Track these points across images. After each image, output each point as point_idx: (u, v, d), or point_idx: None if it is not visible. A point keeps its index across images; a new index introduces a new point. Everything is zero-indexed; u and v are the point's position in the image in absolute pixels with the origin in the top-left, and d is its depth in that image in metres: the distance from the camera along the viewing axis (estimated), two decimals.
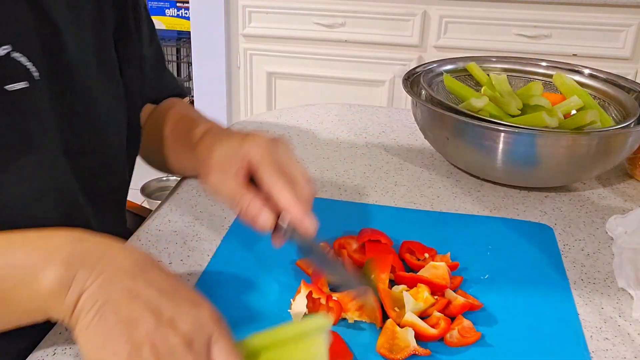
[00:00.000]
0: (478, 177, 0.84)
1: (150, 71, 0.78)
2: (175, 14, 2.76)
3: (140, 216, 1.01)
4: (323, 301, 0.56)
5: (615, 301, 0.60)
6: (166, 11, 2.76)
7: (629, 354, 0.53)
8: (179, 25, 2.78)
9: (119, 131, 0.69)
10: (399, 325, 0.54)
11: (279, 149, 0.57)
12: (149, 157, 0.82)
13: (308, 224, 0.53)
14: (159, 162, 0.80)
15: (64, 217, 0.59)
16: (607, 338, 0.55)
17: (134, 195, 2.28)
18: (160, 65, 0.83)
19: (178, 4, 2.74)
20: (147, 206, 1.85)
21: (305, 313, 0.55)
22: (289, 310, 0.56)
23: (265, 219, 0.54)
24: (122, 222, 0.76)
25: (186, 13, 2.72)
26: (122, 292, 0.42)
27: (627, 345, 0.54)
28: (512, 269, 0.64)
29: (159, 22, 2.79)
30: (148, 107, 0.82)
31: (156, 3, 2.75)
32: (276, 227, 0.54)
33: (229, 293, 0.59)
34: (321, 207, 0.74)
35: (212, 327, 0.43)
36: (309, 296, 0.56)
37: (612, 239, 0.69)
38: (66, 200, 0.60)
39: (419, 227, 0.71)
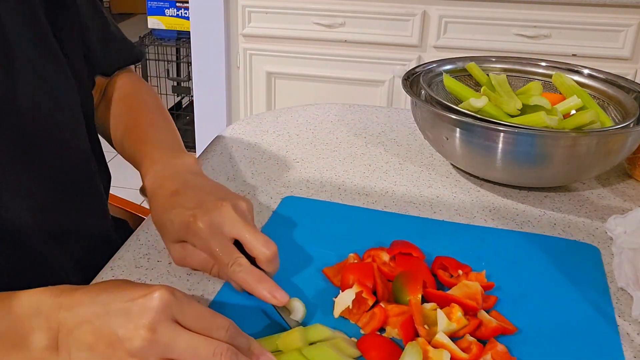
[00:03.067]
0: (477, 177, 0.84)
1: (96, 42, 0.76)
2: (175, 14, 2.76)
3: (140, 216, 1.01)
4: (370, 302, 0.55)
5: (614, 301, 0.60)
6: (166, 11, 2.76)
7: (628, 354, 0.53)
8: (178, 25, 2.78)
9: (73, 114, 0.67)
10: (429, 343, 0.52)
11: (222, 225, 0.56)
12: (105, 136, 0.82)
13: (272, 300, 0.53)
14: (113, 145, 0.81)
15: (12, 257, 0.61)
16: None
17: (134, 195, 2.28)
18: (107, 35, 0.79)
19: (178, 4, 2.74)
20: (147, 206, 1.84)
21: (348, 307, 0.55)
22: (333, 299, 0.56)
23: (235, 287, 0.57)
24: (103, 216, 0.75)
25: (186, 13, 2.72)
26: (91, 334, 0.45)
27: (626, 345, 0.54)
28: (551, 290, 0.60)
29: (159, 22, 2.79)
30: (100, 81, 0.81)
31: (156, 3, 2.75)
32: None
33: (251, 302, 0.58)
34: (352, 215, 0.73)
35: (167, 309, 0.44)
36: (358, 294, 0.55)
37: (611, 238, 0.69)
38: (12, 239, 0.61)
39: (453, 241, 0.68)
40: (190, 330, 0.45)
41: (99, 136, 0.78)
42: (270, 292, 0.53)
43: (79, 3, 0.71)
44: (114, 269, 0.63)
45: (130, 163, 0.74)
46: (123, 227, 0.86)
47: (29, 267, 0.64)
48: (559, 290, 0.61)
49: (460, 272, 0.61)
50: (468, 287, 0.57)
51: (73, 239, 0.69)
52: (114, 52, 0.81)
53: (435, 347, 0.51)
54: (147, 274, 0.62)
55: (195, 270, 0.61)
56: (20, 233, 0.62)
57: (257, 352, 0.47)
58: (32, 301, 0.47)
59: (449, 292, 0.58)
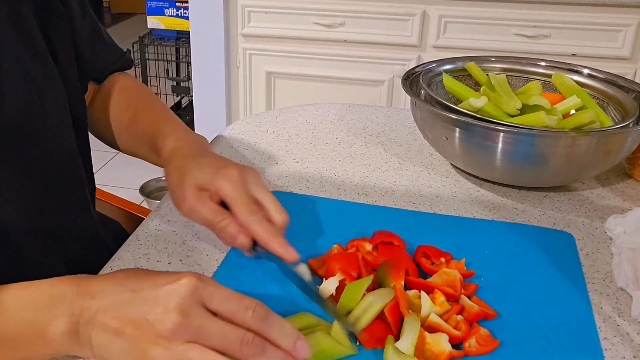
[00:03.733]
0: (477, 177, 0.84)
1: (86, 46, 0.76)
2: (175, 14, 2.76)
3: (140, 216, 1.01)
4: None
5: (614, 301, 0.60)
6: (165, 11, 2.76)
7: (628, 354, 0.53)
8: (178, 25, 2.78)
9: (61, 115, 0.68)
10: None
11: (249, 182, 0.60)
12: (99, 135, 0.83)
13: (285, 254, 0.57)
14: (111, 143, 0.82)
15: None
16: (606, 338, 0.55)
17: (133, 195, 2.28)
18: (96, 40, 0.79)
19: (177, 4, 2.74)
20: (146, 206, 1.85)
21: (332, 294, 0.56)
22: (318, 286, 0.58)
23: (242, 242, 0.59)
24: (89, 217, 0.75)
25: (185, 13, 2.72)
26: (117, 319, 0.45)
27: (626, 345, 0.54)
28: (528, 276, 0.62)
29: (159, 22, 2.79)
30: (92, 87, 0.81)
31: (156, 3, 2.75)
32: (255, 245, 0.59)
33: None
34: (337, 208, 0.74)
35: (196, 293, 0.45)
36: (342, 282, 0.57)
37: (611, 238, 0.69)
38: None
39: (435, 231, 0.70)
40: (217, 312, 0.45)
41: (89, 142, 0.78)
42: (282, 247, 0.56)
43: (70, 6, 0.71)
44: (114, 269, 0.63)
45: (138, 144, 0.76)
46: (113, 227, 0.86)
47: (17, 267, 0.64)
48: (536, 276, 0.63)
49: (442, 259, 0.63)
50: (447, 274, 0.59)
51: (60, 239, 0.69)
52: (103, 57, 0.81)
53: (429, 328, 0.53)
54: None
55: (199, 223, 0.61)
56: (7, 232, 0.62)
57: (291, 334, 0.46)
58: (54, 290, 0.48)
59: (429, 279, 0.60)
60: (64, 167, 0.69)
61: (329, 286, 0.57)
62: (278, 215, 0.59)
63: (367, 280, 0.56)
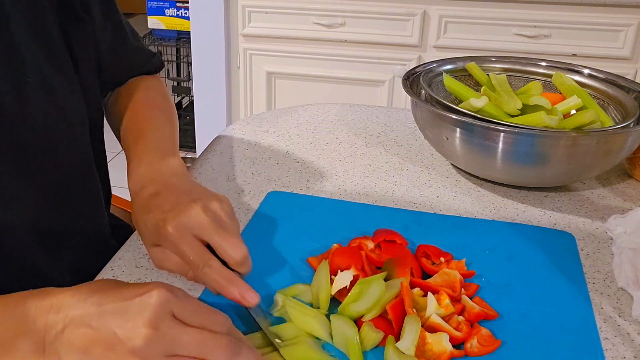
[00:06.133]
0: (478, 177, 0.84)
1: (109, 53, 0.75)
2: (175, 14, 2.76)
3: None
4: None
5: (614, 301, 0.60)
6: (166, 11, 2.76)
7: (628, 354, 0.53)
8: (179, 25, 2.77)
9: (80, 128, 0.68)
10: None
11: (193, 228, 0.55)
12: (113, 129, 0.82)
13: (243, 301, 0.53)
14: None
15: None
16: (606, 338, 0.55)
17: None
18: (120, 45, 0.78)
19: (178, 4, 2.74)
20: None
21: (345, 286, 0.56)
22: (332, 276, 0.58)
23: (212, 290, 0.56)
24: (102, 224, 0.75)
25: (186, 13, 2.72)
26: (84, 337, 0.43)
27: (626, 345, 0.54)
28: (530, 278, 0.62)
29: (159, 22, 2.79)
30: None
31: (156, 3, 2.75)
32: None
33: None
34: (337, 208, 0.75)
35: (166, 305, 0.43)
36: (356, 277, 0.57)
37: (611, 238, 0.69)
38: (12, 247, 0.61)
39: (435, 230, 0.70)
40: (189, 324, 0.44)
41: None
42: (240, 293, 0.52)
43: (93, 13, 0.71)
44: (114, 268, 0.63)
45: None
46: (124, 231, 0.86)
47: (25, 274, 0.64)
48: (537, 276, 0.63)
49: (442, 259, 0.63)
50: (448, 275, 0.59)
51: (71, 243, 0.69)
52: (124, 64, 0.81)
53: (430, 328, 0.53)
54: (147, 274, 0.62)
55: (174, 273, 0.60)
56: (17, 237, 0.62)
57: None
58: (18, 305, 0.45)
59: (430, 280, 0.60)
60: (79, 176, 0.69)
61: (343, 278, 0.57)
62: (230, 253, 0.54)
63: (381, 276, 0.56)
